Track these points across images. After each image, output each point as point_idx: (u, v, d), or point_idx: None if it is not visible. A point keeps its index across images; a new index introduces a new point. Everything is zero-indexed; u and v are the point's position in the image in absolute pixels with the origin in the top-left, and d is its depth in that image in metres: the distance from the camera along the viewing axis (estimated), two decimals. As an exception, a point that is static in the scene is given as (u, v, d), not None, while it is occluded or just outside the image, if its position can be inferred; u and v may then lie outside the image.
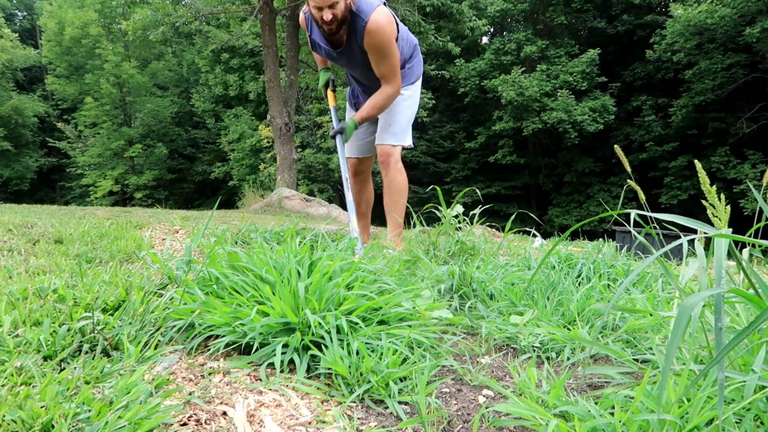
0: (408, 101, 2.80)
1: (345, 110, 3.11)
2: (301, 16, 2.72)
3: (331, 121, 2.89)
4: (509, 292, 1.89)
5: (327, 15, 2.38)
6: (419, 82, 2.88)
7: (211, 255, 1.65)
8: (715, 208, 1.20)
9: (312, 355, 1.25)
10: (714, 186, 1.21)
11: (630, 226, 1.49)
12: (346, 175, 2.74)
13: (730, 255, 0.93)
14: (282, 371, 1.20)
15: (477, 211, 2.75)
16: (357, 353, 1.21)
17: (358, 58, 2.58)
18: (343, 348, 1.23)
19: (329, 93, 2.89)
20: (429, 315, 1.55)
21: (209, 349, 1.28)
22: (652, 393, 0.93)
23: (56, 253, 2.21)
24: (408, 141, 2.83)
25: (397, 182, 2.75)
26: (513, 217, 2.86)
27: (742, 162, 18.04)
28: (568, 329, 1.61)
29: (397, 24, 2.59)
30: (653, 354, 1.26)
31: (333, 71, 3.00)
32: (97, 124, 24.93)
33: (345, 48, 2.57)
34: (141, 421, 0.90)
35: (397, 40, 2.57)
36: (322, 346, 1.25)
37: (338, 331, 1.29)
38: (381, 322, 1.41)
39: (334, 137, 2.75)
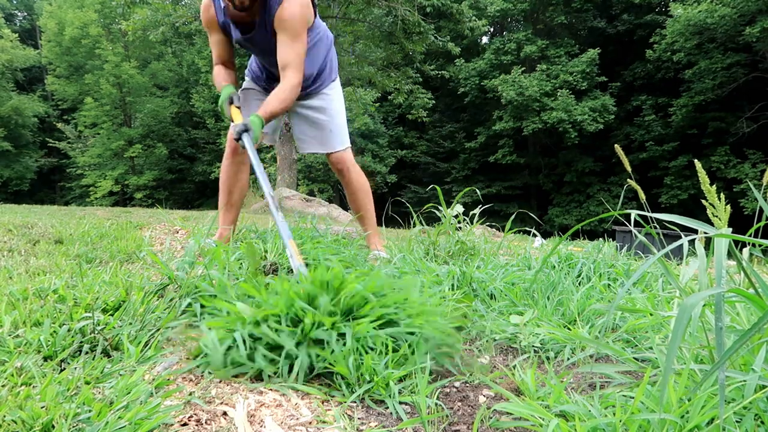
0: (337, 100, 2.67)
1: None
2: (205, 1, 2.37)
3: None
4: (509, 291, 1.89)
5: None
6: (338, 78, 2.72)
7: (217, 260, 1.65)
8: (715, 207, 1.20)
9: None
10: (714, 185, 1.21)
11: (631, 225, 1.49)
12: (264, 178, 2.12)
13: (730, 255, 0.93)
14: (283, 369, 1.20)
15: (477, 210, 2.75)
16: (358, 351, 1.20)
17: (270, 43, 2.33)
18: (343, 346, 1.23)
19: (233, 109, 2.38)
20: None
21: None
22: (653, 393, 0.93)
23: (56, 253, 2.21)
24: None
25: (360, 184, 2.68)
26: (513, 216, 2.87)
27: (742, 161, 18.05)
28: (569, 329, 1.61)
29: (315, 12, 2.39)
30: (653, 353, 1.26)
31: (234, 86, 2.53)
32: (97, 125, 24.93)
33: (256, 32, 2.32)
34: (141, 421, 0.90)
35: (312, 28, 2.39)
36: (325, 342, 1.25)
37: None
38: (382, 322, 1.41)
39: (238, 139, 2.20)
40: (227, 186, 2.56)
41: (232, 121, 2.32)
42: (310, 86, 2.55)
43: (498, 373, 1.32)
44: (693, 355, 1.09)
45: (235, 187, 2.58)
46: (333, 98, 2.64)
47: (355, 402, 1.11)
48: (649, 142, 20.51)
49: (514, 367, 1.32)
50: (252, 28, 2.33)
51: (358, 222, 2.75)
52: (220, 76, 2.51)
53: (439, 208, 2.67)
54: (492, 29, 26.07)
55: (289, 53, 2.27)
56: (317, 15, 2.45)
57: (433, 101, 19.38)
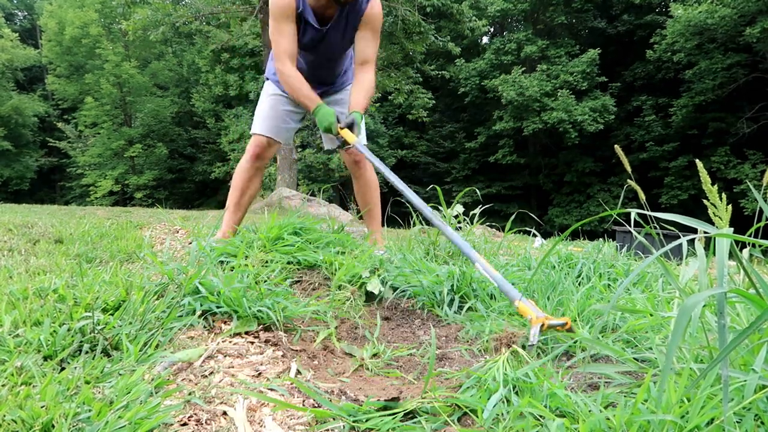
0: None
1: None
2: None
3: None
4: (509, 291, 1.88)
5: None
6: None
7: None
8: (716, 207, 1.20)
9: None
10: (714, 186, 1.21)
11: (631, 225, 1.49)
12: (390, 175, 2.06)
13: (729, 255, 0.93)
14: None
15: (477, 210, 2.75)
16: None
17: (341, 40, 2.42)
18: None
19: (345, 131, 2.34)
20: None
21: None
22: (652, 395, 0.93)
23: (56, 252, 2.21)
24: None
25: (373, 180, 2.75)
26: (513, 217, 2.86)
27: (743, 162, 18.06)
28: (569, 329, 1.60)
29: None
30: (653, 354, 1.26)
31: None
32: (97, 124, 24.95)
33: (332, 25, 2.36)
34: (141, 421, 0.90)
35: None
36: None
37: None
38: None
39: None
40: (240, 188, 2.60)
41: (342, 139, 2.34)
42: (337, 81, 2.61)
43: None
44: (693, 356, 1.09)
45: (248, 190, 2.64)
46: None
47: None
48: (649, 142, 20.52)
49: (515, 366, 1.32)
50: (328, 22, 2.36)
51: (364, 219, 2.79)
52: (302, 83, 2.39)
53: (439, 208, 2.67)
54: (492, 29, 26.08)
55: (372, 50, 2.39)
56: None
57: (433, 101, 19.38)
